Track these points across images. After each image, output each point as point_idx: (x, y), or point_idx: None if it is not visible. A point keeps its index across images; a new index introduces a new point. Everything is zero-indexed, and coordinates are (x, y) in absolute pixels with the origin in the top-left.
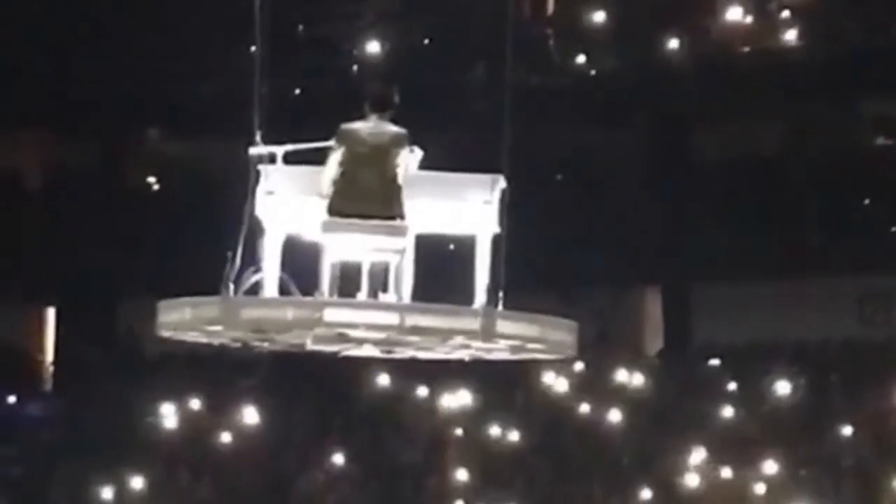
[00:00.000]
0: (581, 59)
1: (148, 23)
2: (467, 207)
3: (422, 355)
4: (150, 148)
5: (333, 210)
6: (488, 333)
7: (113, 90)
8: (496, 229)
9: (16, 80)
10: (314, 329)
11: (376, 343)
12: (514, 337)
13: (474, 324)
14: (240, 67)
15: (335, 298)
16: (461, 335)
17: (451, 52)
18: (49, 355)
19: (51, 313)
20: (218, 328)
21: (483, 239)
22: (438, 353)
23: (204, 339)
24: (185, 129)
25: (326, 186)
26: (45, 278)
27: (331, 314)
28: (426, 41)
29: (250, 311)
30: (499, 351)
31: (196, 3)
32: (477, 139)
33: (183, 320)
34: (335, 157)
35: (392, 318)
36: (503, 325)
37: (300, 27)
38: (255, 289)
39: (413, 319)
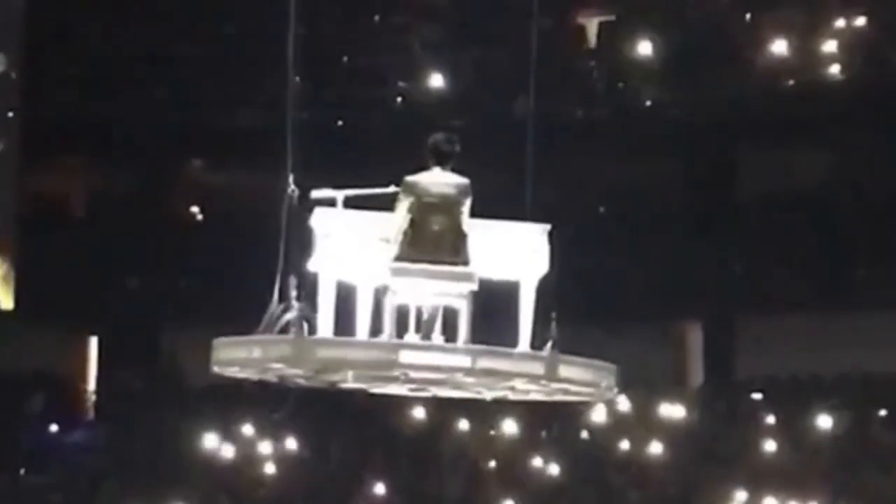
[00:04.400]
0: (624, 92)
1: (194, 53)
2: (516, 255)
3: (444, 394)
4: (193, 177)
5: (402, 256)
6: (551, 377)
7: (157, 119)
8: (542, 275)
9: (59, 109)
10: (390, 371)
11: (415, 382)
12: (572, 381)
13: (539, 368)
14: (283, 98)
15: (408, 341)
16: (524, 378)
17: (493, 87)
18: (91, 383)
19: (93, 342)
20: (279, 366)
21: (528, 284)
22: (466, 393)
23: (242, 375)
24: (228, 159)
25: (396, 234)
26: (88, 307)
27: (406, 356)
28: (468, 75)
29: (325, 352)
30: (535, 392)
31: (242, 33)
32: (519, 173)
33: (250, 358)
34: (403, 206)
35: (464, 361)
36: (565, 370)
37: (344, 58)
38: (287, 328)
39: (484, 362)
